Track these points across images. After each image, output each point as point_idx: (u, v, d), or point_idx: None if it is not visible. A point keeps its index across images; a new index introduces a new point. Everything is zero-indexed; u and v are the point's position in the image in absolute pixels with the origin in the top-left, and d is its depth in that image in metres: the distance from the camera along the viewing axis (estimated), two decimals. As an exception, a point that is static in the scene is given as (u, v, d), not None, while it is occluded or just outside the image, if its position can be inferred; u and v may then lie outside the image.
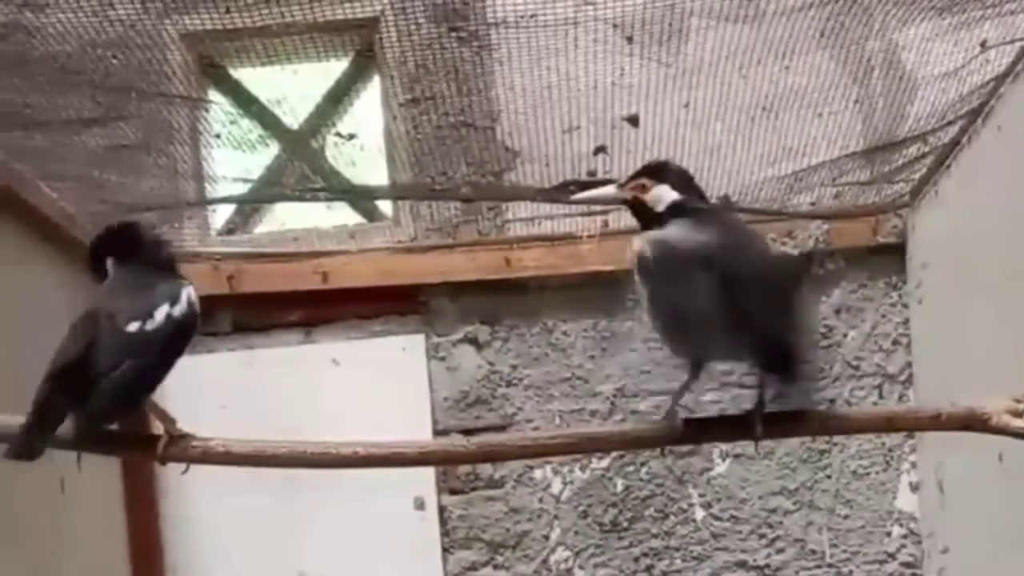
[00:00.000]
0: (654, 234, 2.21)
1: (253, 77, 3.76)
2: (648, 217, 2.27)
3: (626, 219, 2.47)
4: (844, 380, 3.90)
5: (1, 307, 3.06)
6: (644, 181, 2.28)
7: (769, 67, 3.10)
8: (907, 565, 3.90)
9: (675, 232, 2.18)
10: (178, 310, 2.23)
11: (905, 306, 3.89)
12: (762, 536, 3.93)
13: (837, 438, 3.88)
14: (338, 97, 3.85)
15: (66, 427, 2.11)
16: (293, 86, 3.87)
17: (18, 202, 3.16)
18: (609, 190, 2.35)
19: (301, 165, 3.83)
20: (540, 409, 3.96)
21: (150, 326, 2.18)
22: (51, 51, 2.75)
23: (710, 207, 2.36)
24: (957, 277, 3.41)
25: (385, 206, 4.10)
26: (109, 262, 2.37)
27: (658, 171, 2.30)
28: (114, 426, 2.28)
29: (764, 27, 2.92)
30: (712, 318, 2.08)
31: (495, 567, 3.96)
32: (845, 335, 3.92)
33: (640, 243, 2.20)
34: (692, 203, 2.27)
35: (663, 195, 2.26)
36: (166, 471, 2.63)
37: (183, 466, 2.32)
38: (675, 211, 2.24)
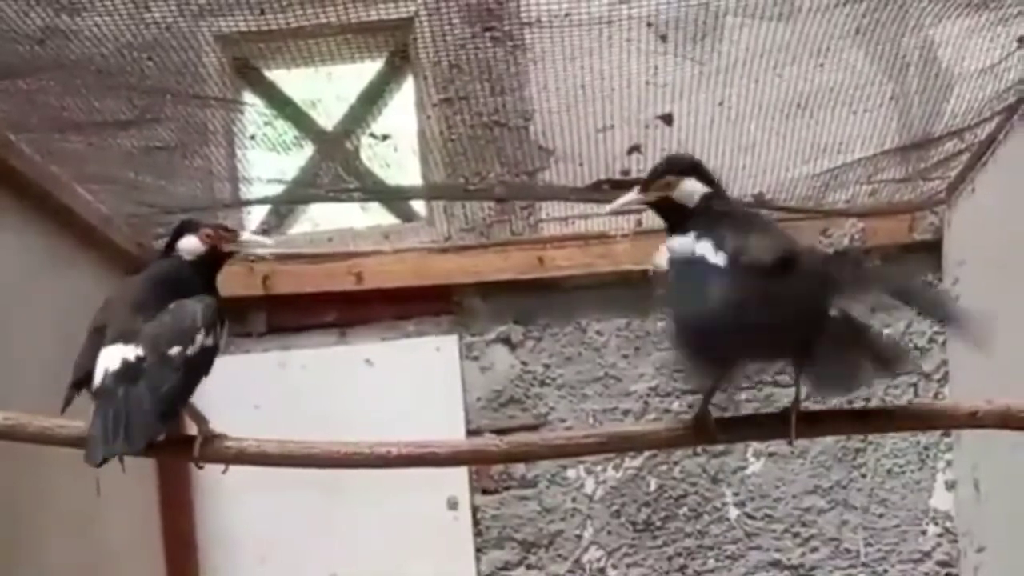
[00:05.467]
0: (677, 247, 2.11)
1: (287, 79, 3.78)
2: (678, 215, 2.17)
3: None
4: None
5: (38, 309, 3.08)
6: (669, 179, 2.17)
7: (804, 64, 3.09)
8: (943, 564, 3.88)
9: (701, 245, 2.06)
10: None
11: (941, 304, 3.87)
12: (796, 535, 3.91)
13: (872, 437, 3.86)
14: (372, 98, 3.86)
15: None
16: (327, 87, 3.89)
17: (55, 204, 3.18)
18: (633, 195, 2.22)
19: (335, 166, 3.84)
20: (573, 408, 3.96)
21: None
22: (87, 54, 2.77)
23: (741, 204, 2.33)
24: (993, 274, 3.39)
25: (419, 206, 4.11)
26: None
27: (681, 165, 2.21)
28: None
29: (799, 24, 2.91)
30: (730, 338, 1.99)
31: (528, 567, 3.96)
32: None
33: (660, 258, 2.12)
34: (723, 196, 2.21)
35: (694, 189, 2.16)
36: (201, 472, 2.64)
37: (220, 467, 2.33)
38: (707, 206, 2.16)
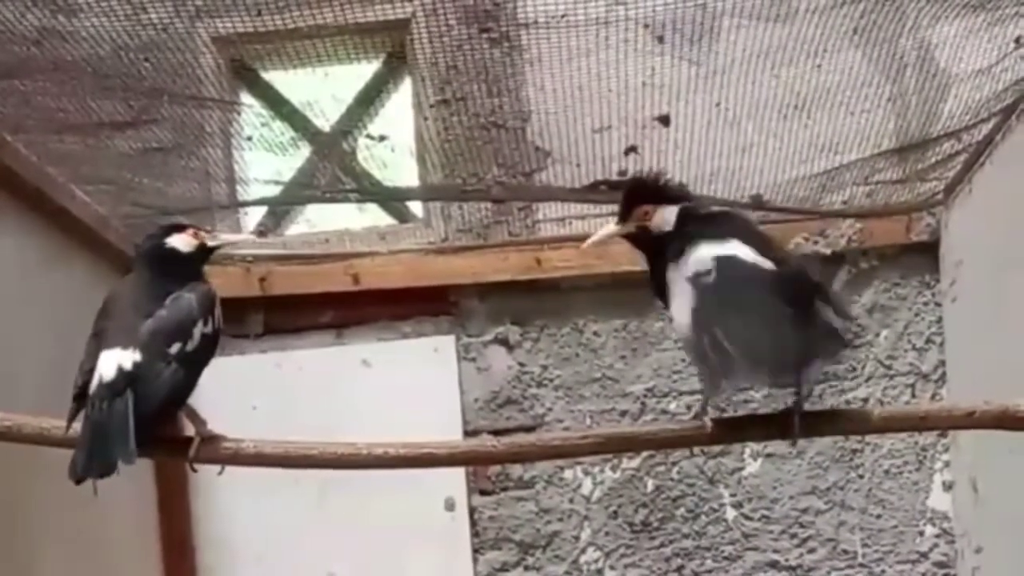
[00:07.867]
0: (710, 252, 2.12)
1: (284, 79, 3.77)
2: (653, 242, 2.24)
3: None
4: (877, 379, 3.88)
5: (34, 310, 3.08)
6: (646, 208, 2.23)
7: (801, 65, 3.09)
8: (940, 565, 3.88)
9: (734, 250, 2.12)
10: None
11: (938, 305, 3.87)
12: (794, 536, 3.91)
13: (870, 437, 3.87)
14: (369, 99, 3.85)
15: None
16: (324, 88, 3.88)
17: (51, 205, 3.18)
18: (612, 228, 2.30)
19: (332, 167, 3.83)
20: (570, 409, 3.96)
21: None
22: (84, 55, 2.77)
23: (720, 212, 2.35)
24: (991, 275, 3.39)
25: (416, 207, 4.11)
26: None
27: (650, 190, 2.26)
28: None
29: (796, 25, 2.91)
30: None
31: (525, 568, 3.96)
32: (878, 334, 3.90)
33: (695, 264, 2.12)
34: (701, 209, 2.27)
35: (669, 215, 2.23)
36: (198, 472, 2.64)
37: (215, 468, 2.33)
38: (684, 222, 2.21)
